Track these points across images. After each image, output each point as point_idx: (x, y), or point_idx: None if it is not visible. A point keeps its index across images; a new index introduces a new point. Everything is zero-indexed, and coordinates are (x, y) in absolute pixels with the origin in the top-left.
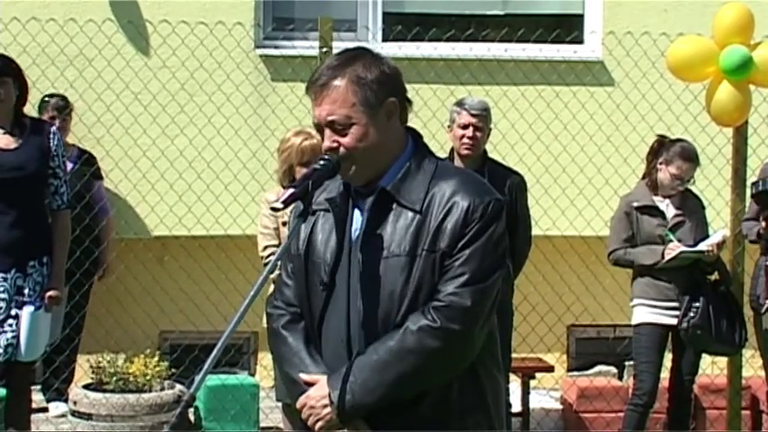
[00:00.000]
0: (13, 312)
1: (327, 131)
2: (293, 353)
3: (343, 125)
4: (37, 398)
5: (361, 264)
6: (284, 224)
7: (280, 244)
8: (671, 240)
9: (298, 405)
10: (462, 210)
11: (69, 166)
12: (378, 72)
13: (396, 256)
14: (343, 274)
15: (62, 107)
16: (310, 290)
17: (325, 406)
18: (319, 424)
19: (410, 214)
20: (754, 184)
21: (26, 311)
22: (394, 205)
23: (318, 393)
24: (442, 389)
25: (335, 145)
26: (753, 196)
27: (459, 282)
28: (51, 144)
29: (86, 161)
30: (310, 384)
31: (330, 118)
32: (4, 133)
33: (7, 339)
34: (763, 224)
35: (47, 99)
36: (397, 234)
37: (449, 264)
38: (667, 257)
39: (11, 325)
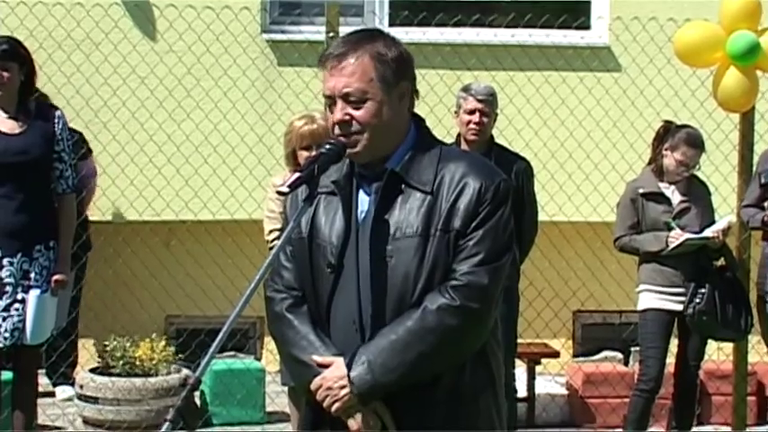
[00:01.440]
0: (19, 296)
1: (340, 104)
2: (301, 335)
3: (358, 99)
4: (43, 382)
5: (371, 245)
6: None
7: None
8: (673, 228)
9: (312, 386)
10: (475, 190)
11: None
12: (397, 52)
13: (408, 237)
14: (351, 257)
15: None
16: (316, 273)
17: (342, 387)
18: (336, 405)
19: (421, 195)
20: (760, 173)
21: (32, 295)
22: (403, 187)
23: (335, 374)
24: (455, 371)
25: (348, 118)
26: (762, 186)
27: (474, 261)
28: (56, 128)
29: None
30: (323, 366)
31: (346, 90)
32: (9, 117)
33: (14, 323)
34: None
35: None
36: (409, 215)
37: (463, 243)
38: (671, 246)
39: (17, 309)
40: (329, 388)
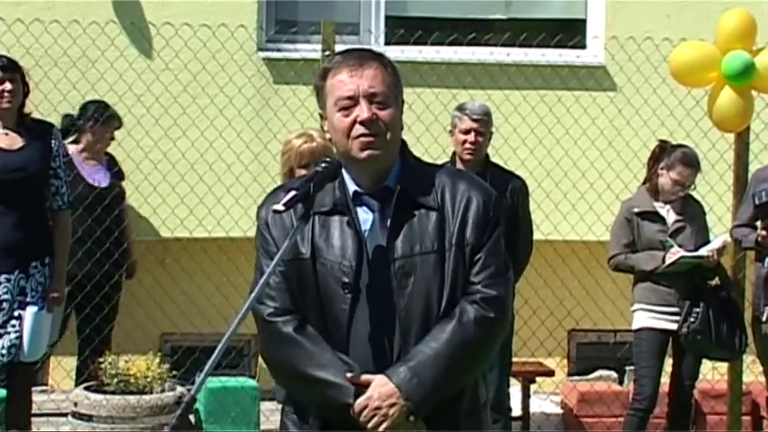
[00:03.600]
0: (16, 313)
1: (365, 104)
2: (317, 355)
3: (383, 101)
4: (37, 399)
5: (384, 264)
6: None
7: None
8: (671, 246)
9: (357, 408)
10: (480, 204)
11: (104, 174)
12: (396, 71)
13: (424, 254)
14: (363, 276)
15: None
16: (325, 294)
17: (392, 405)
18: (385, 424)
19: (428, 212)
20: (754, 194)
21: (29, 312)
22: (410, 204)
23: (383, 392)
24: (474, 382)
25: (375, 117)
26: (757, 207)
27: (491, 272)
28: (53, 145)
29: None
30: (360, 384)
31: (372, 90)
32: (7, 134)
33: (11, 340)
34: (764, 233)
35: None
36: (420, 232)
37: (477, 257)
38: (668, 261)
39: (14, 326)
40: (378, 407)
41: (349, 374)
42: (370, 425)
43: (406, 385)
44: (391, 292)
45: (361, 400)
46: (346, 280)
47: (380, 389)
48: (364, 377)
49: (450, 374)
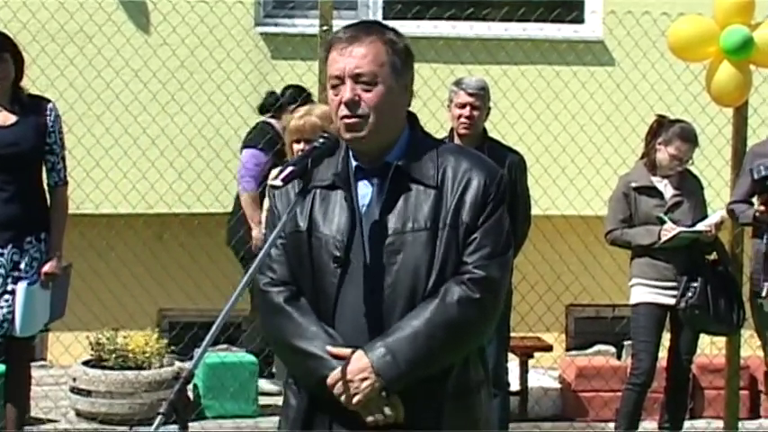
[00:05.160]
0: (9, 288)
1: (350, 84)
2: (304, 327)
3: (369, 81)
4: (36, 375)
5: (378, 239)
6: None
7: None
8: (665, 223)
9: (330, 380)
10: (480, 184)
11: None
12: (405, 44)
13: (416, 231)
14: (357, 251)
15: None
16: (317, 267)
17: (364, 379)
18: (357, 397)
19: (426, 189)
20: (752, 169)
21: (20, 287)
22: (407, 181)
23: (357, 366)
24: (462, 363)
25: (357, 98)
26: (756, 181)
27: (486, 253)
28: (48, 121)
29: None
30: (338, 357)
31: (358, 71)
32: (1, 110)
33: (3, 315)
34: (762, 208)
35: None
36: (415, 209)
37: (472, 237)
38: (664, 239)
39: (7, 300)
40: (350, 381)
41: (329, 348)
42: (342, 398)
43: (379, 361)
44: (381, 268)
45: (334, 373)
46: (337, 254)
47: (355, 363)
48: (342, 351)
49: (428, 354)
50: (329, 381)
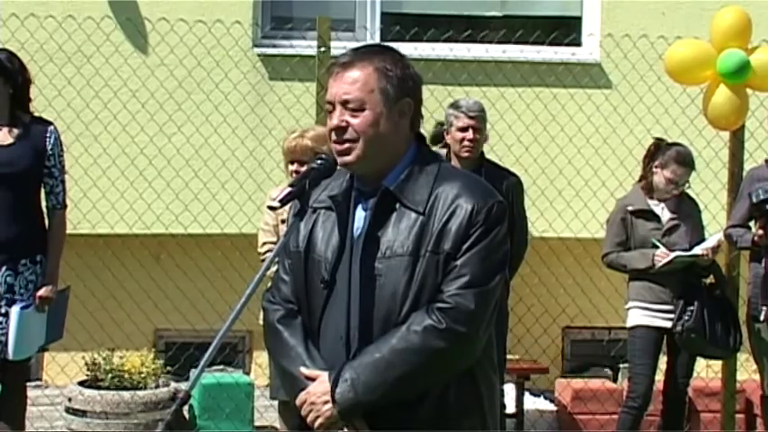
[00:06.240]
0: (2, 310)
1: (339, 110)
2: (290, 347)
3: (356, 107)
4: (31, 395)
5: (362, 262)
6: (283, 222)
7: (278, 241)
8: (658, 248)
9: (297, 401)
10: (466, 212)
11: None
12: (402, 70)
13: (398, 256)
14: (344, 273)
15: None
16: (310, 287)
17: (325, 402)
18: (319, 421)
19: (413, 215)
20: (750, 193)
21: (14, 310)
22: (397, 206)
23: (319, 389)
24: (440, 391)
25: (344, 124)
26: (754, 204)
27: (462, 283)
28: (47, 144)
29: None
30: (311, 379)
31: (345, 96)
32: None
33: None
34: (761, 232)
35: None
36: (400, 234)
37: (452, 265)
38: (659, 265)
39: (0, 323)
40: (313, 403)
41: (302, 369)
42: (308, 420)
43: (339, 387)
44: (363, 291)
45: (301, 395)
46: (325, 275)
47: (317, 387)
48: (314, 373)
49: (388, 381)
50: (297, 402)
